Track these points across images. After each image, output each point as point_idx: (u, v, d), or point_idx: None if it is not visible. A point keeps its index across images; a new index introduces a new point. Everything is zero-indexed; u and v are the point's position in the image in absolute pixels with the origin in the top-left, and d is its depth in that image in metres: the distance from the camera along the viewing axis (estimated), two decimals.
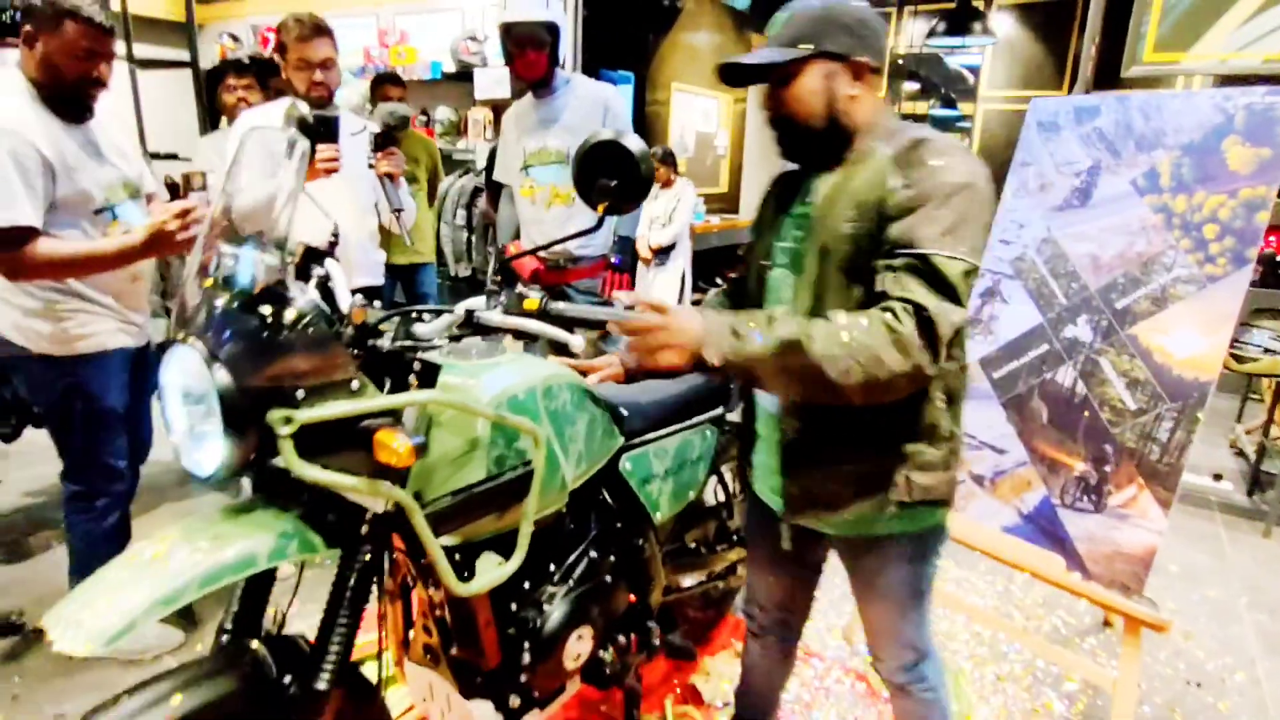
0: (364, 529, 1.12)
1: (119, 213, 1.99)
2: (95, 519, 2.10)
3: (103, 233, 1.96)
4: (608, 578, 1.61)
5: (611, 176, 1.11)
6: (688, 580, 2.01)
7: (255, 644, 1.13)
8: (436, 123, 5.30)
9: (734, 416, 2.06)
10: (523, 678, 1.45)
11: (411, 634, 1.53)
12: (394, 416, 1.07)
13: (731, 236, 6.64)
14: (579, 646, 1.54)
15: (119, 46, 1.95)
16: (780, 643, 1.68)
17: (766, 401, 1.39)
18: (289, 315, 0.97)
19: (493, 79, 5.23)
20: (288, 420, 0.97)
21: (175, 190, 1.81)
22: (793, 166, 1.37)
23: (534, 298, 1.12)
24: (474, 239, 5.02)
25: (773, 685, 1.75)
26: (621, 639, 1.72)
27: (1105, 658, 2.35)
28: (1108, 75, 2.95)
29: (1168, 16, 2.79)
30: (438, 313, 1.18)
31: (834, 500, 1.29)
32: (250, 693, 1.08)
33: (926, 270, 1.09)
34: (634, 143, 1.12)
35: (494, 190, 3.55)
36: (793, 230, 1.32)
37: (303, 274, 1.19)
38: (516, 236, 2.81)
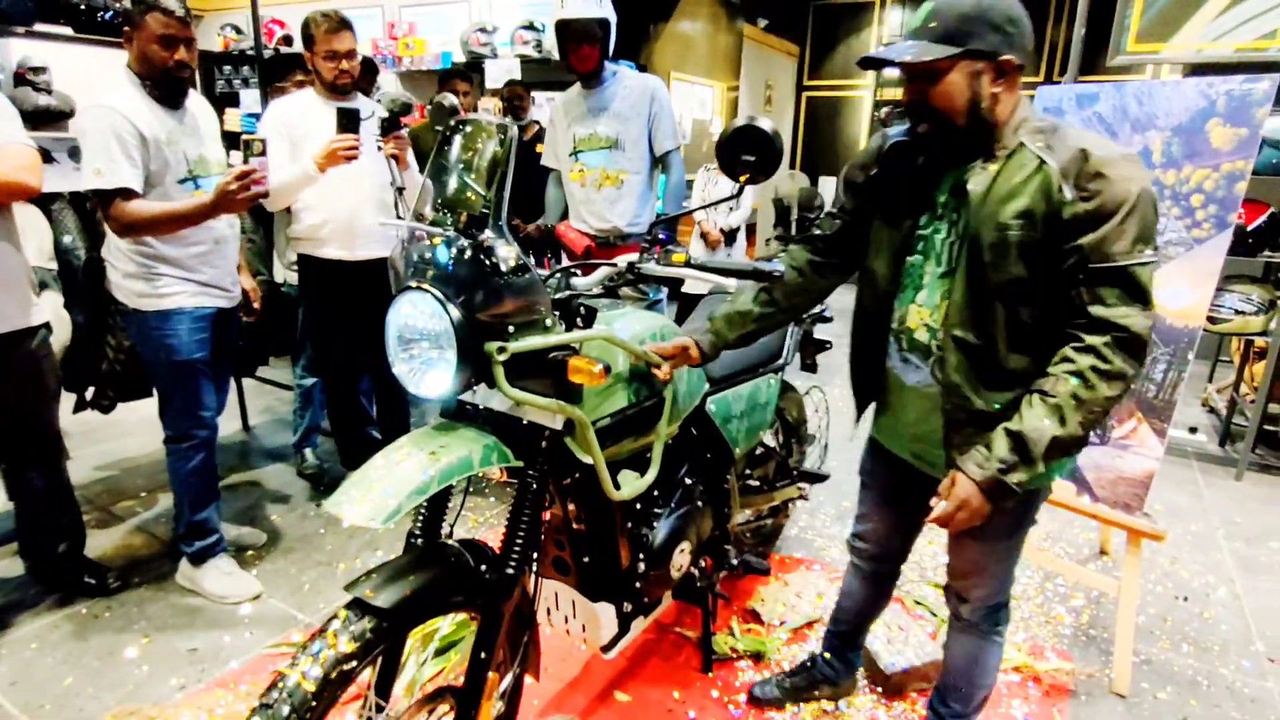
0: (543, 444, 1.36)
1: (202, 184, 2.25)
2: (181, 459, 2.35)
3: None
4: (699, 503, 1.88)
5: (750, 154, 1.37)
6: (749, 513, 2.28)
7: (452, 542, 1.38)
8: None
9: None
10: (637, 584, 1.71)
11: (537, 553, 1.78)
12: (571, 349, 1.32)
13: None
14: (681, 559, 1.80)
15: None
16: (878, 577, 1.82)
17: (908, 378, 1.46)
18: (506, 265, 1.22)
19: (503, 69, 5.41)
20: (501, 350, 1.22)
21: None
22: (900, 140, 1.40)
23: (681, 253, 1.37)
24: None
25: (866, 614, 1.90)
26: (703, 561, 1.99)
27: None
28: (1085, 63, 3.25)
29: (1149, 10, 3.11)
30: (593, 268, 1.42)
31: None
32: (457, 577, 1.32)
33: (1123, 280, 1.18)
34: (767, 124, 1.37)
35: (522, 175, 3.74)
36: (935, 222, 1.36)
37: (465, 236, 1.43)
38: (564, 216, 3.04)
